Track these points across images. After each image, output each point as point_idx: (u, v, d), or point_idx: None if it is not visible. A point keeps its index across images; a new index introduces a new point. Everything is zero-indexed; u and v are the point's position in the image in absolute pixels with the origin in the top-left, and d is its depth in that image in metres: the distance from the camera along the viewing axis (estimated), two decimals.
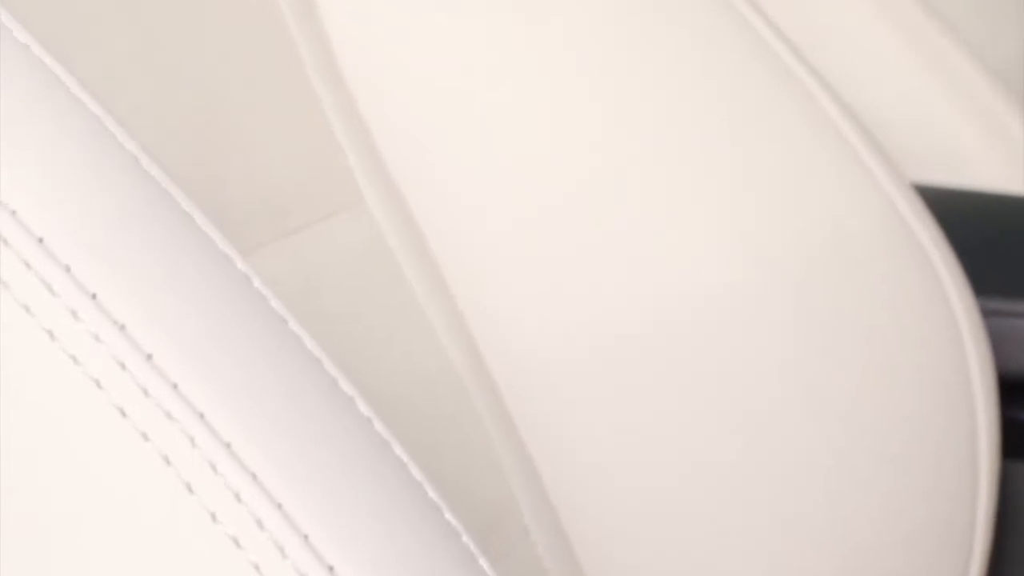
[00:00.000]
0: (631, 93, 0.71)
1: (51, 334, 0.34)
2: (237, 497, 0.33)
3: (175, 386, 0.34)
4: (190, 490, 0.33)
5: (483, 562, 0.36)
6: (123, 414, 0.33)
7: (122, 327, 0.34)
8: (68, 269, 0.34)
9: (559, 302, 0.69)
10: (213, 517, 0.33)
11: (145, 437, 0.33)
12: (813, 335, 0.70)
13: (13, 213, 0.35)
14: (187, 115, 0.59)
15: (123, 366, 0.34)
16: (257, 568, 0.33)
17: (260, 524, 0.33)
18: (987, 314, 0.75)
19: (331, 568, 0.33)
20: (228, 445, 0.34)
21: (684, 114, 0.71)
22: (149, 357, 0.34)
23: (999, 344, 0.78)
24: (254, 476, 0.33)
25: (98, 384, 0.34)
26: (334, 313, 0.62)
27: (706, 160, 0.71)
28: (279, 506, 0.33)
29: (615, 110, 0.71)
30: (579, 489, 0.69)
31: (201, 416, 0.34)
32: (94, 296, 0.34)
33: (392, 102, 0.69)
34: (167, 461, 0.33)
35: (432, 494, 0.36)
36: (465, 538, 0.36)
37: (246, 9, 0.65)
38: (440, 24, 0.70)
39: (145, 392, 0.34)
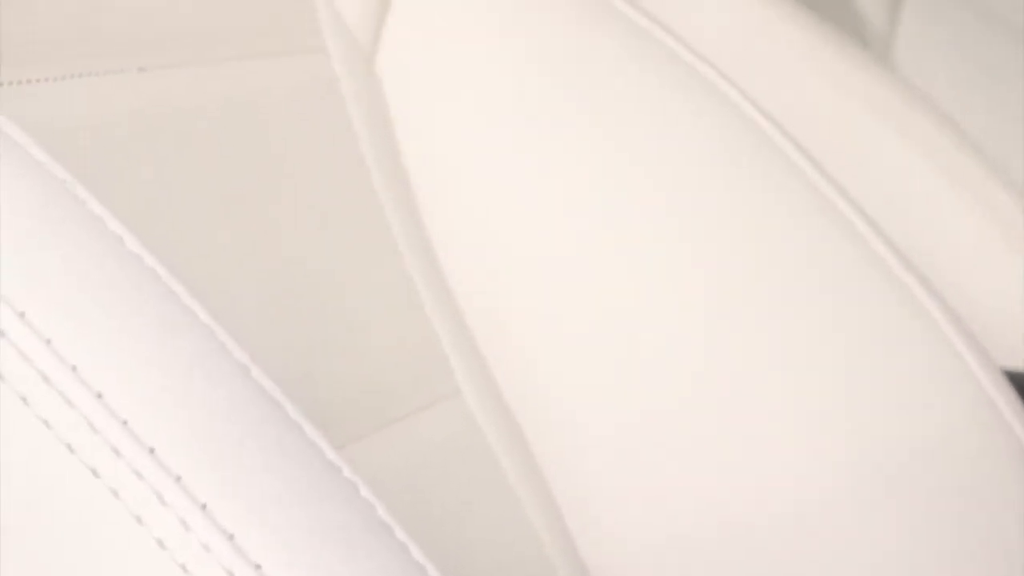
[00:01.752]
0: (737, 288, 0.71)
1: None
2: None
3: (259, 568, 0.34)
4: None
5: None
6: None
7: (229, 535, 0.35)
8: (179, 479, 0.35)
9: (657, 500, 0.69)
10: None
11: None
12: (913, 531, 0.69)
13: (125, 423, 0.36)
14: (288, 306, 0.61)
15: None
16: None
17: None
18: None
19: None
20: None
21: (787, 308, 0.71)
22: (249, 558, 0.34)
23: None
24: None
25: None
26: (431, 502, 0.62)
27: (808, 355, 0.71)
28: None
29: (720, 306, 0.71)
30: None
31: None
32: (204, 506, 0.35)
33: (485, 286, 0.70)
34: None
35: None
36: None
37: (344, 197, 0.67)
38: (536, 207, 0.71)
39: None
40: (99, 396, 0.36)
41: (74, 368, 0.36)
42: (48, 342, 0.36)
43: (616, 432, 0.70)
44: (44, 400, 0.35)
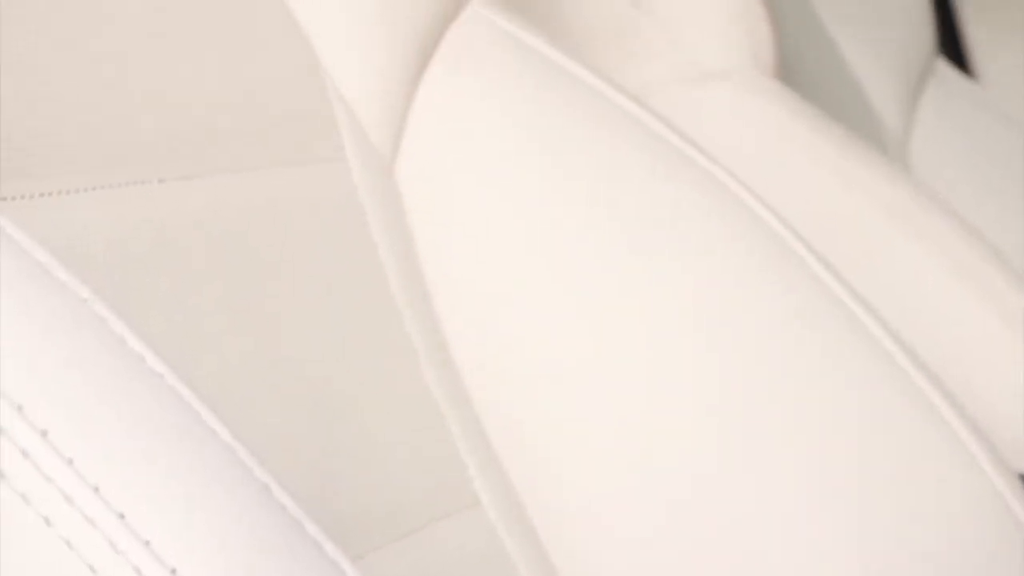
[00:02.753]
0: (751, 394, 0.71)
1: None
2: None
3: None
4: None
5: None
6: None
7: None
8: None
9: None
10: None
11: None
12: None
13: (147, 543, 0.36)
14: (305, 415, 0.61)
15: None
16: None
17: None
18: None
19: None
20: None
21: (802, 415, 0.71)
22: None
23: None
24: None
25: None
26: None
27: (822, 461, 0.71)
28: None
29: (735, 412, 0.71)
30: None
31: None
32: None
33: (504, 393, 0.70)
34: None
35: None
36: None
37: (362, 305, 0.67)
38: (555, 313, 0.71)
39: None
40: (121, 516, 0.36)
41: (96, 489, 0.36)
42: (70, 462, 0.36)
43: (638, 543, 0.70)
44: (66, 521, 0.35)
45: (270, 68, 0.67)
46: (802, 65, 1.22)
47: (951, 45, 1.61)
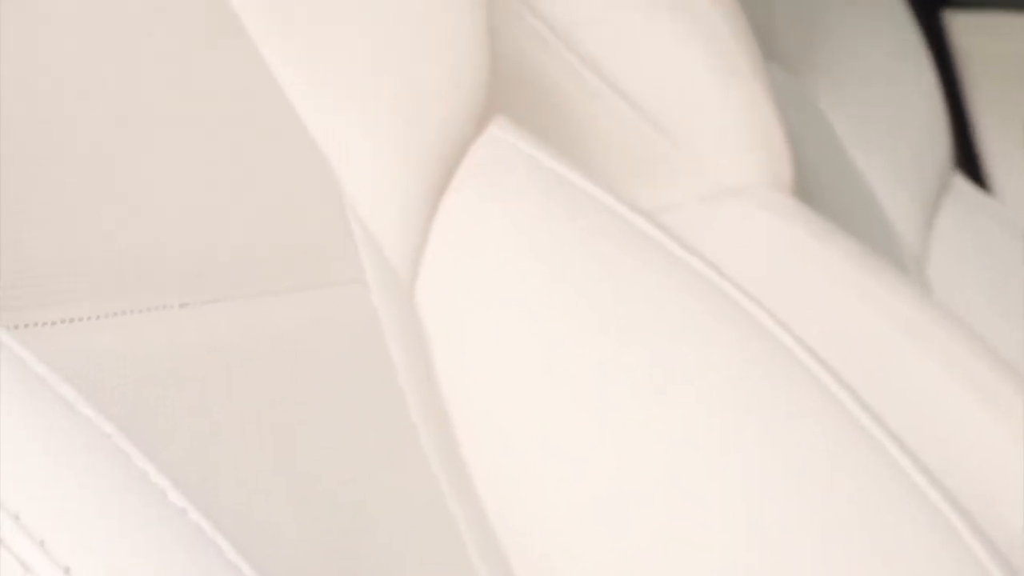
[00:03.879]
0: (773, 521, 0.71)
1: None
2: None
3: None
4: None
5: None
6: None
7: None
8: None
9: None
10: None
11: None
12: None
13: None
14: (325, 543, 0.60)
15: None
16: None
17: None
18: None
19: None
20: None
21: (823, 540, 0.71)
22: None
23: None
24: None
25: None
26: None
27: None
28: None
29: (757, 542, 0.71)
30: None
31: None
32: None
33: (528, 525, 0.70)
34: None
35: None
36: None
37: (382, 431, 0.67)
38: (577, 442, 0.71)
39: None
40: None
41: None
42: None
43: None
44: None
45: (290, 191, 0.68)
46: (819, 181, 1.22)
47: (968, 160, 1.62)
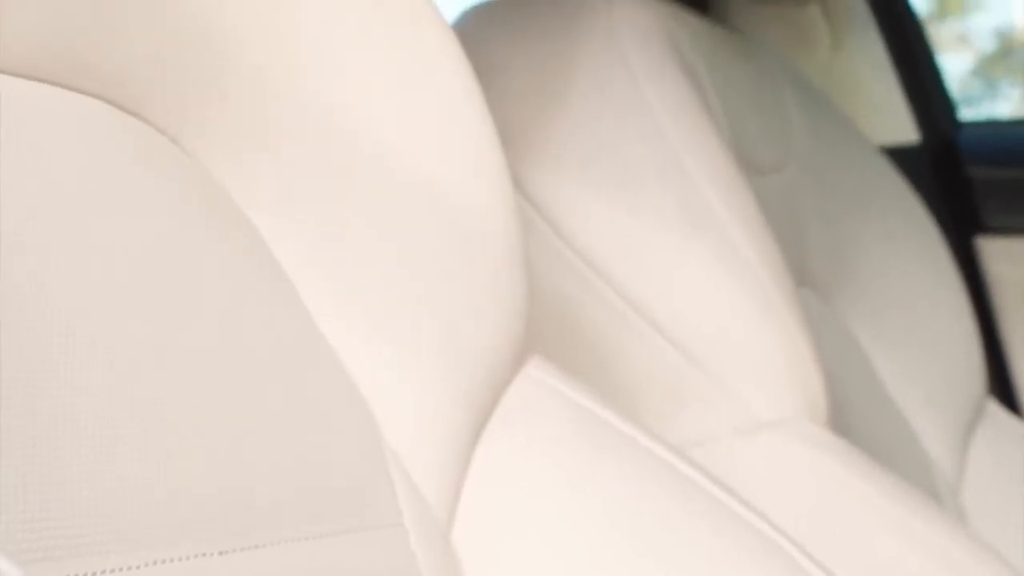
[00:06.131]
0: None
1: None
2: None
3: None
4: None
5: None
6: None
7: None
8: None
9: None
10: None
11: None
12: None
13: None
14: None
15: None
16: None
17: None
18: None
19: None
20: None
21: None
22: None
23: None
24: None
25: None
26: None
27: None
28: None
29: None
30: None
31: None
32: None
33: None
34: None
35: None
36: None
37: None
38: None
39: None
40: None
41: None
42: None
43: None
44: None
45: (329, 433, 0.68)
46: (855, 410, 1.22)
47: (1001, 385, 1.62)
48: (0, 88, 0.58)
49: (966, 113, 1.73)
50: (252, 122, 0.66)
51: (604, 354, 1.02)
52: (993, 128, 1.81)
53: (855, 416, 1.21)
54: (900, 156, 1.54)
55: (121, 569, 0.54)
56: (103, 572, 0.54)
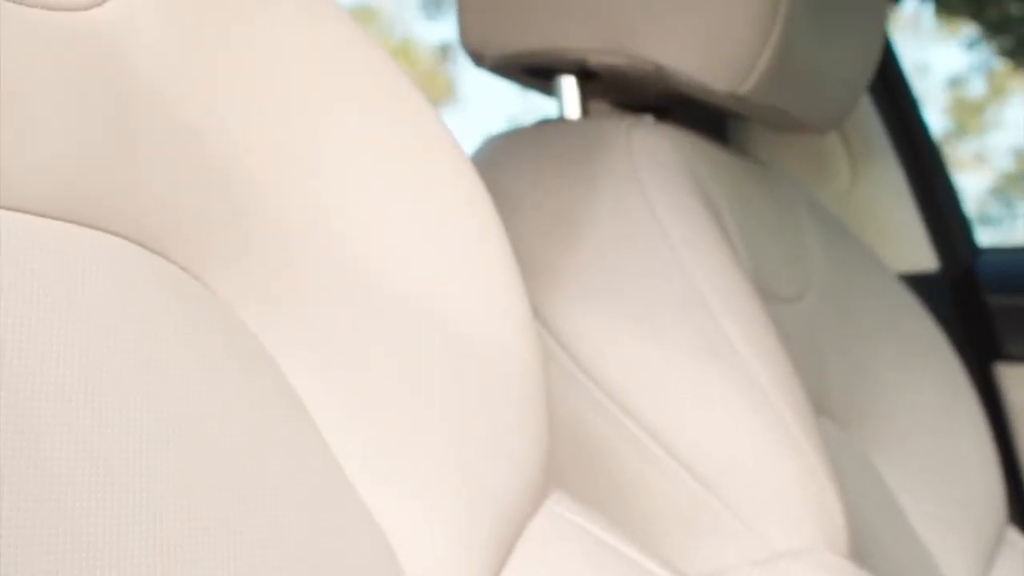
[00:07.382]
0: None
1: None
2: None
3: None
4: None
5: None
6: None
7: None
8: None
9: None
10: None
11: None
12: None
13: None
14: None
15: None
16: None
17: None
18: None
19: None
20: None
21: None
22: None
23: None
24: None
25: None
26: None
27: None
28: None
29: None
30: None
31: None
32: None
33: None
34: None
35: None
36: None
37: None
38: None
39: None
40: None
41: None
42: None
43: None
44: None
45: (349, 570, 0.68)
46: (875, 539, 1.22)
47: (1022, 513, 1.61)
48: (25, 230, 0.59)
49: (984, 234, 1.74)
50: (276, 264, 0.67)
51: (622, 482, 1.02)
52: (1012, 255, 1.82)
53: (876, 546, 1.20)
54: (919, 283, 1.54)
55: None
56: None
